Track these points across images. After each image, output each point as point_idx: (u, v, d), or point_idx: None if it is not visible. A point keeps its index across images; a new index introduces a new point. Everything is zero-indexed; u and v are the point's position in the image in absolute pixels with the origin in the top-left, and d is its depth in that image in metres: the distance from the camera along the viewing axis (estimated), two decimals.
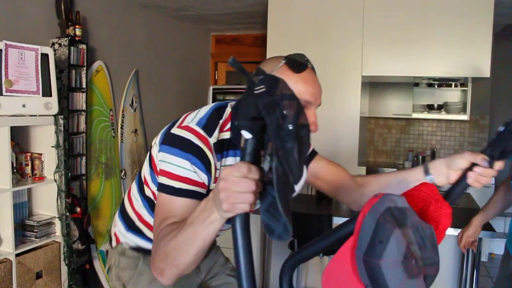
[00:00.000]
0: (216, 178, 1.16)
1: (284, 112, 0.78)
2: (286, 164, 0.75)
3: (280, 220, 0.73)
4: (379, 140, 5.44)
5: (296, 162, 0.77)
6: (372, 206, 0.78)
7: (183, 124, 1.14)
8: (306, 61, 1.19)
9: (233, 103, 1.24)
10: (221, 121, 1.18)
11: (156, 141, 1.21)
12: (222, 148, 1.16)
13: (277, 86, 0.84)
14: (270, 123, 0.76)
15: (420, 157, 5.02)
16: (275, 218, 0.74)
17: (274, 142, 0.75)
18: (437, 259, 0.80)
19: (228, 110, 1.22)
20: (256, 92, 0.81)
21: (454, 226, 2.48)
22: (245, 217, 0.78)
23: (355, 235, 0.77)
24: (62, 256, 2.87)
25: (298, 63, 1.17)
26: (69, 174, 3.04)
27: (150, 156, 1.25)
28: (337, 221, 2.74)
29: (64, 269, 2.88)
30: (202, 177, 1.11)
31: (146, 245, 1.38)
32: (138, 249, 1.39)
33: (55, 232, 2.86)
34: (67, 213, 2.90)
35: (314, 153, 1.44)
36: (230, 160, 1.19)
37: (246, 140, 0.79)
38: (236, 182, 0.75)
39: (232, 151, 1.19)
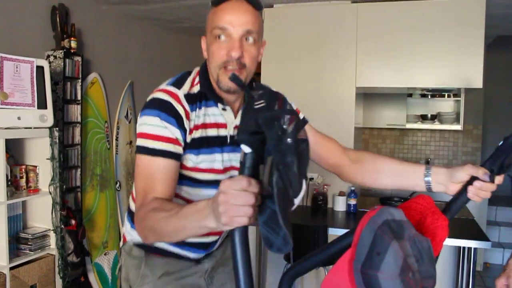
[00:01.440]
0: (190, 129, 1.21)
1: (284, 126, 0.79)
2: (286, 177, 0.76)
3: (280, 233, 0.74)
4: (373, 150, 5.46)
5: (295, 176, 0.78)
6: (370, 219, 0.79)
7: (156, 89, 1.23)
8: None
9: (197, 67, 1.31)
10: (190, 77, 1.26)
11: None
12: (194, 100, 1.22)
13: (276, 101, 0.85)
14: (270, 137, 0.77)
15: None
16: (274, 231, 0.75)
17: (274, 156, 0.76)
18: (434, 272, 0.81)
19: (196, 69, 1.30)
20: (256, 107, 0.82)
21: (448, 236, 2.48)
22: (244, 230, 0.79)
23: (353, 247, 0.78)
24: (57, 269, 2.84)
25: None
26: (64, 186, 3.03)
27: None
28: (333, 232, 2.74)
29: (58, 282, 2.86)
30: (174, 131, 1.16)
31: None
32: (142, 245, 1.40)
33: (49, 245, 2.84)
34: (62, 226, 2.89)
35: (304, 122, 1.40)
36: (202, 111, 1.24)
37: (246, 154, 0.80)
38: (235, 196, 0.76)
39: (204, 101, 1.25)
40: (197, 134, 1.23)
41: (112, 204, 3.96)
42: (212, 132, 1.26)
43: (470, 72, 3.22)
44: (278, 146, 0.77)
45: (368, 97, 4.76)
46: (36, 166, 2.83)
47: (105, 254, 3.76)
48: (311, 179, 3.30)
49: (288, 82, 3.43)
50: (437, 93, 4.76)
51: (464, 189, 1.10)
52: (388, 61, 3.38)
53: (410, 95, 4.82)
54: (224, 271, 1.52)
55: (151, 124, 1.16)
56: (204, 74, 1.26)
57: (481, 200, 1.10)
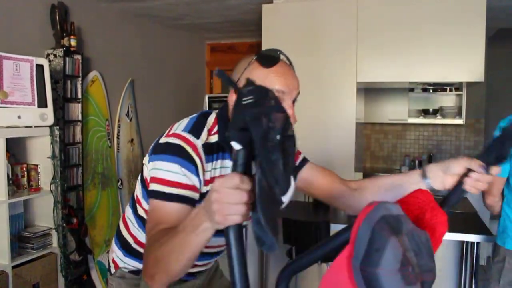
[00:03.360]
0: (206, 181, 1.17)
1: (270, 124, 0.77)
2: (271, 176, 0.75)
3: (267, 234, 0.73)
4: (375, 145, 5.45)
5: (281, 173, 0.77)
6: (366, 215, 0.78)
7: (170, 133, 1.17)
8: (278, 55, 1.19)
9: (214, 114, 1.26)
10: (207, 125, 1.21)
11: (146, 160, 1.22)
12: (211, 151, 1.18)
13: (265, 97, 0.83)
14: (255, 135, 0.76)
15: (417, 162, 5.02)
16: (264, 230, 0.74)
17: (258, 154, 0.75)
18: (433, 265, 0.80)
19: (213, 115, 1.25)
20: (243, 102, 0.80)
21: (451, 231, 2.48)
22: (238, 228, 0.78)
23: (351, 244, 0.77)
24: (59, 268, 2.85)
25: (269, 57, 1.17)
26: (65, 185, 3.02)
27: (142, 176, 1.25)
28: (335, 228, 2.73)
29: (61, 281, 2.86)
30: (193, 180, 1.12)
31: None
32: (137, 272, 1.38)
33: (51, 244, 2.84)
34: (64, 224, 2.89)
35: (305, 161, 1.42)
36: (219, 163, 1.21)
37: (237, 151, 0.78)
38: (228, 194, 0.75)
39: (221, 153, 1.21)
40: (210, 187, 1.19)
41: (114, 202, 3.96)
42: None
43: (472, 65, 3.20)
44: (264, 143, 0.75)
45: (370, 91, 4.75)
46: (37, 165, 2.83)
47: (107, 252, 3.77)
48: None
49: None
50: (439, 87, 4.74)
51: (460, 182, 1.09)
52: (389, 55, 3.36)
53: (411, 90, 4.79)
54: (221, 283, 1.53)
55: (170, 171, 1.11)
56: (224, 125, 1.21)
57: (477, 192, 1.09)
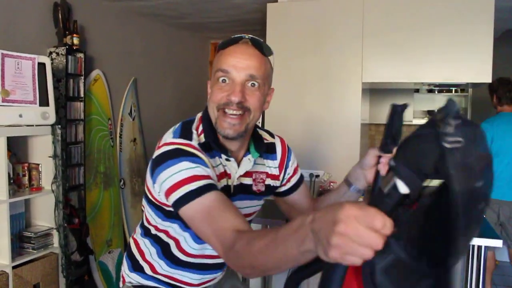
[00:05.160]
0: (217, 175, 1.15)
1: (477, 184, 0.57)
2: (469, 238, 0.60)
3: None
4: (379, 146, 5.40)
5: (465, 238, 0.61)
6: None
7: (161, 144, 1.13)
8: (241, 37, 1.14)
9: (199, 114, 1.24)
10: (193, 127, 1.18)
11: (149, 183, 1.17)
12: (207, 149, 1.15)
13: (475, 141, 0.59)
14: (458, 189, 0.57)
15: None
16: (396, 283, 0.63)
17: (455, 222, 0.58)
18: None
19: (196, 118, 1.22)
20: (447, 145, 0.58)
21: None
22: (345, 269, 0.67)
23: None
24: (60, 268, 2.82)
25: (228, 40, 1.14)
26: (67, 184, 3.00)
27: (147, 197, 1.23)
28: None
29: (62, 281, 2.83)
30: (208, 171, 1.07)
31: (148, 283, 1.35)
32: (141, 287, 1.37)
33: (53, 244, 2.81)
34: (65, 224, 2.86)
35: (301, 180, 1.43)
36: (218, 161, 1.19)
37: (397, 190, 0.62)
38: (361, 233, 0.58)
39: (215, 151, 1.18)
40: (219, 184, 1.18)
41: (116, 202, 3.93)
42: (221, 183, 1.20)
43: (479, 66, 3.15)
44: (467, 211, 0.58)
45: (375, 92, 4.71)
46: (38, 164, 2.80)
47: (109, 253, 3.74)
48: (317, 176, 3.25)
49: (293, 79, 3.38)
50: (444, 88, 4.69)
51: (377, 171, 1.05)
52: (395, 56, 3.32)
53: (417, 91, 4.75)
54: None
55: (182, 170, 1.03)
56: (208, 123, 1.19)
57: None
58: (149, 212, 1.25)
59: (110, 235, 3.79)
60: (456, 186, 0.56)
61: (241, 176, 1.25)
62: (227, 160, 1.21)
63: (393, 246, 0.61)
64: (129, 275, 1.39)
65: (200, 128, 1.19)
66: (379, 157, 1.02)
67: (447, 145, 0.57)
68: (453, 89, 4.69)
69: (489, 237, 2.42)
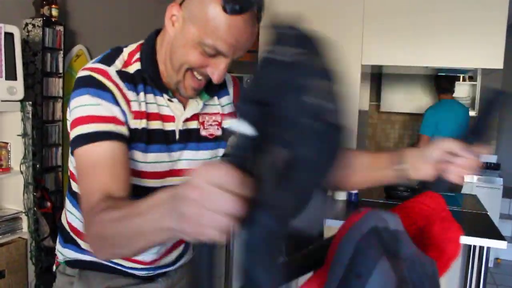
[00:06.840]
0: (135, 113, 0.97)
1: (310, 99, 0.47)
2: (292, 183, 0.47)
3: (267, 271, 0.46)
4: (381, 136, 5.21)
5: (308, 181, 0.48)
6: (351, 226, 0.55)
7: (79, 70, 1.00)
8: (253, 2, 0.89)
9: (140, 41, 1.06)
10: (122, 54, 1.01)
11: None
12: (131, 80, 0.98)
13: (316, 53, 0.50)
14: (284, 113, 0.47)
15: None
16: (259, 263, 0.47)
17: (278, 142, 0.48)
18: None
19: (132, 45, 1.05)
20: (277, 58, 0.48)
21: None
22: (211, 249, 0.51)
23: (327, 265, 0.56)
24: (29, 254, 2.65)
25: (240, 7, 0.87)
26: (38, 166, 2.80)
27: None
28: (330, 223, 2.50)
29: (31, 268, 2.67)
30: (113, 110, 0.93)
31: (83, 257, 1.14)
32: (75, 263, 1.15)
33: (21, 228, 2.63)
34: (35, 208, 2.68)
35: None
36: (144, 97, 1.00)
37: (241, 134, 0.50)
38: (212, 194, 0.48)
39: (146, 86, 1.00)
40: (141, 124, 0.99)
41: None
42: (155, 125, 1.01)
43: (490, 51, 2.92)
44: (294, 129, 0.47)
45: (377, 80, 4.50)
46: (7, 143, 2.61)
47: None
48: None
49: None
50: (452, 74, 4.47)
51: (442, 170, 0.85)
52: (398, 37, 3.08)
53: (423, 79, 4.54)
54: None
55: (82, 105, 0.93)
56: (150, 54, 1.01)
57: (463, 181, 0.85)
58: (71, 162, 1.06)
59: None
60: (280, 103, 0.46)
61: (188, 119, 1.06)
62: (169, 100, 1.03)
63: (260, 215, 0.47)
64: (62, 252, 1.18)
65: (136, 56, 1.01)
66: (450, 153, 0.83)
67: (287, 59, 0.47)
68: (461, 76, 4.44)
69: (493, 238, 2.23)
